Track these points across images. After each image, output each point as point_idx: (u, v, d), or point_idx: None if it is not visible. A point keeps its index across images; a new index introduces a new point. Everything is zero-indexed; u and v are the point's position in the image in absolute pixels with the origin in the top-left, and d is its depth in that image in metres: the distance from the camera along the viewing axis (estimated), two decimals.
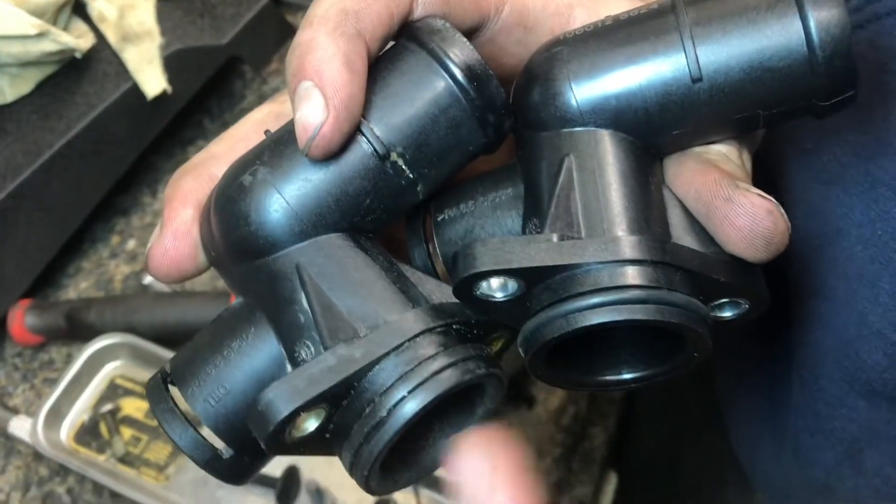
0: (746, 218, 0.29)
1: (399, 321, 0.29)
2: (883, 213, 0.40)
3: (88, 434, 0.72)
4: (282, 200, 0.30)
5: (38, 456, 0.73)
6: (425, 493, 0.67)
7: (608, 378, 0.33)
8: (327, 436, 0.29)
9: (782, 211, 0.30)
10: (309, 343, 0.29)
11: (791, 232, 0.46)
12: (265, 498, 0.68)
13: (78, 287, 0.82)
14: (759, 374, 0.56)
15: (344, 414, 0.29)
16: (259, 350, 0.31)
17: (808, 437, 0.49)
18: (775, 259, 0.48)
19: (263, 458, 0.33)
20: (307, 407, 0.28)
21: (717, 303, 0.31)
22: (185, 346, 0.33)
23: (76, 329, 0.75)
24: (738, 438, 0.60)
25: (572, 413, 0.77)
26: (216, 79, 0.89)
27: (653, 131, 0.31)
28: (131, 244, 0.85)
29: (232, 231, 0.31)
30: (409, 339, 0.29)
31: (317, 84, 0.29)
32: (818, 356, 0.46)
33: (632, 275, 0.28)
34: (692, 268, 0.29)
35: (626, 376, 0.32)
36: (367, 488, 0.30)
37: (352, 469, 0.30)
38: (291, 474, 0.68)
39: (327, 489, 0.68)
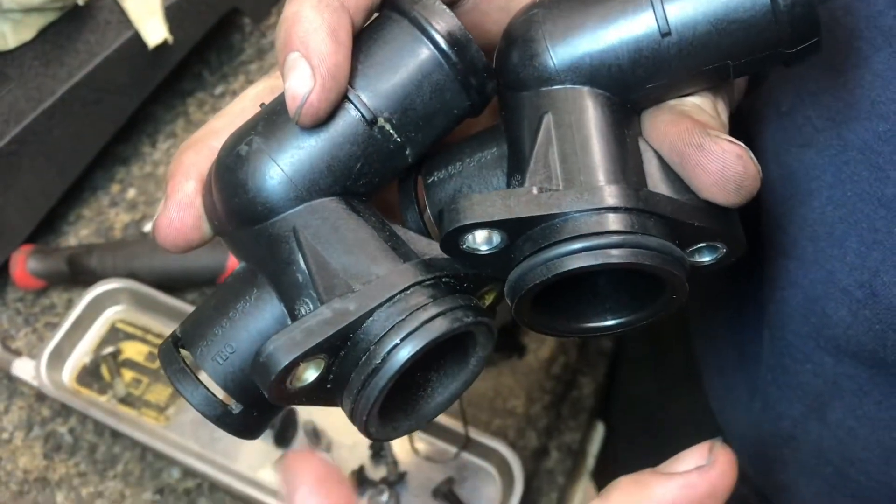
0: (717, 163, 0.30)
1: (391, 275, 0.31)
2: (853, 175, 0.41)
3: (90, 376, 0.73)
4: (277, 168, 0.32)
5: (40, 397, 0.74)
6: (418, 434, 0.69)
7: (593, 325, 0.34)
8: (328, 386, 0.31)
9: (752, 156, 0.31)
10: (307, 300, 0.31)
11: (764, 186, 0.47)
12: (263, 438, 0.70)
13: (78, 234, 0.83)
14: (731, 332, 0.58)
15: (342, 364, 0.31)
16: (262, 310, 0.32)
17: (776, 391, 0.51)
18: (749, 219, 0.50)
19: (271, 412, 0.35)
20: (305, 357, 0.29)
21: (695, 247, 0.33)
22: (193, 310, 0.34)
23: (77, 274, 0.77)
24: (713, 392, 0.62)
25: (562, 363, 0.79)
26: (215, 31, 0.90)
27: (628, 86, 0.33)
28: (131, 193, 0.86)
29: (231, 199, 0.32)
30: (400, 292, 0.30)
31: (303, 54, 0.31)
32: (787, 313, 0.48)
33: (608, 221, 0.30)
34: (666, 213, 0.31)
35: (610, 322, 0.34)
36: (367, 434, 0.32)
37: (352, 415, 0.31)
38: (289, 416, 0.70)
39: (324, 430, 0.70)
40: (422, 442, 0.69)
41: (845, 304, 0.43)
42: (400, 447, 0.69)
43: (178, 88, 0.91)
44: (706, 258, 0.33)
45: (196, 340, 0.33)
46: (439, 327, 0.30)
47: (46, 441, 0.73)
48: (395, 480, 0.68)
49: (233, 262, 0.76)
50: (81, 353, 0.74)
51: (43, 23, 0.75)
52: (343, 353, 0.30)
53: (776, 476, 0.56)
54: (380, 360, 0.30)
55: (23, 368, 0.72)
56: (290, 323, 0.32)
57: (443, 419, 0.69)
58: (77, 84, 0.75)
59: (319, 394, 0.31)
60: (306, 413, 0.71)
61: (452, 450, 0.70)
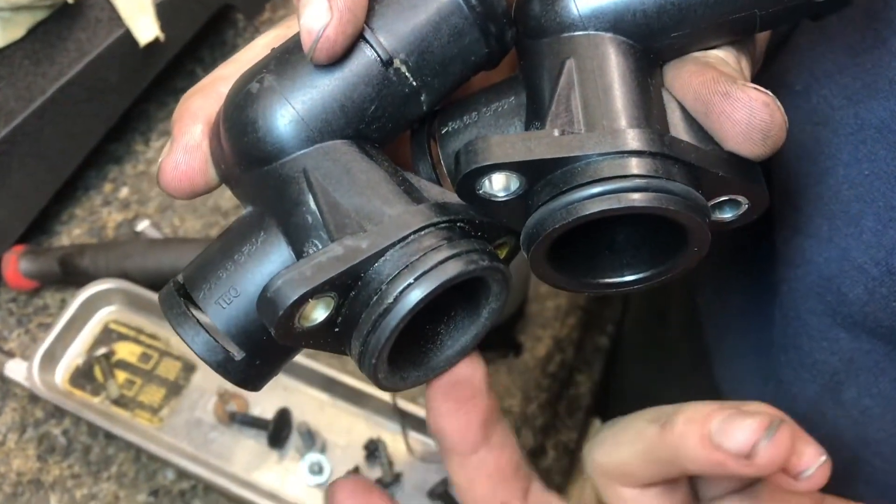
0: (744, 111, 0.30)
1: (404, 215, 0.30)
2: (870, 153, 0.41)
3: (83, 377, 0.73)
4: (288, 106, 0.31)
5: (33, 398, 0.74)
6: (413, 435, 0.69)
7: (611, 280, 0.33)
8: (336, 329, 0.30)
9: (779, 104, 0.30)
10: (317, 242, 0.30)
11: (778, 165, 0.47)
12: (257, 439, 0.70)
13: (71, 234, 0.83)
14: (745, 314, 0.58)
15: (352, 305, 0.30)
16: (269, 254, 0.31)
17: (790, 372, 0.51)
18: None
19: (275, 362, 0.33)
20: (315, 293, 0.28)
21: (716, 201, 0.32)
22: (197, 256, 0.33)
23: (70, 274, 0.76)
24: (724, 377, 0.61)
25: (559, 360, 0.78)
26: (208, 28, 0.89)
27: (652, 35, 0.32)
28: (124, 192, 0.85)
29: (240, 138, 0.31)
30: (413, 232, 0.30)
31: None
32: (802, 292, 0.47)
33: (631, 165, 0.29)
34: (691, 160, 0.30)
35: (629, 278, 0.33)
36: (376, 380, 0.31)
37: (361, 359, 0.30)
38: (283, 416, 0.69)
39: (318, 431, 0.70)
40: (417, 442, 0.69)
41: (861, 281, 0.43)
42: (395, 448, 0.69)
43: (171, 86, 0.90)
44: (728, 214, 0.33)
45: (199, 283, 0.32)
46: (453, 269, 0.29)
47: (40, 443, 0.73)
48: (391, 481, 0.67)
49: None
50: (74, 354, 0.74)
51: (33, 21, 0.74)
52: (353, 293, 0.29)
53: None
54: (391, 300, 0.29)
55: (15, 370, 0.71)
56: None
57: None
58: (68, 83, 0.74)
59: (327, 337, 0.30)
60: (300, 414, 0.70)
61: None
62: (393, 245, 0.29)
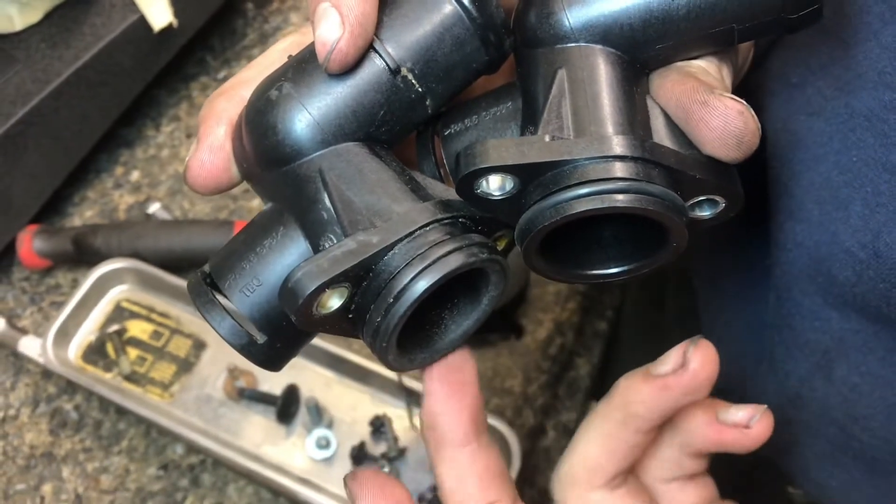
0: (720, 119, 0.32)
1: (411, 212, 0.33)
2: (858, 141, 0.43)
3: (95, 353, 0.75)
4: (305, 112, 0.34)
5: (46, 374, 0.76)
6: (417, 411, 0.71)
7: (597, 272, 0.36)
8: (350, 316, 0.33)
9: (752, 113, 0.32)
10: (332, 236, 0.33)
11: (772, 153, 0.49)
12: (266, 415, 0.72)
13: (83, 216, 0.84)
14: (739, 297, 0.60)
15: (364, 294, 0.32)
16: (288, 247, 0.34)
17: (783, 351, 0.53)
18: (757, 185, 0.51)
19: (294, 344, 0.36)
20: (331, 284, 0.31)
21: (695, 200, 0.34)
22: (222, 247, 0.36)
23: (83, 254, 0.78)
24: (720, 358, 0.63)
25: (559, 344, 0.80)
26: (218, 16, 0.91)
27: (638, 46, 0.34)
28: (135, 175, 0.87)
29: (261, 141, 0.34)
30: (419, 228, 0.32)
31: (333, 4, 0.32)
32: (794, 274, 0.49)
33: (615, 168, 0.31)
34: (670, 164, 0.32)
35: (614, 270, 0.36)
36: (386, 362, 0.34)
37: (372, 343, 0.33)
38: (291, 393, 0.71)
39: (326, 408, 0.71)
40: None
41: (849, 264, 0.45)
42: (399, 424, 0.71)
43: (181, 73, 0.92)
44: (706, 212, 0.35)
45: (225, 273, 0.35)
46: (456, 261, 0.32)
47: (52, 417, 0.74)
48: (396, 456, 0.69)
49: None
50: (87, 331, 0.75)
51: (49, 5, 0.76)
52: (365, 284, 0.32)
53: (780, 437, 0.58)
54: (400, 290, 0.31)
55: (29, 346, 0.73)
56: None
57: None
58: (83, 66, 0.76)
59: (342, 323, 0.33)
60: (308, 391, 0.72)
61: None
62: (401, 240, 0.32)
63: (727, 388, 0.63)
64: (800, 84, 0.47)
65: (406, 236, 0.32)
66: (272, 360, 0.35)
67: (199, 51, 0.93)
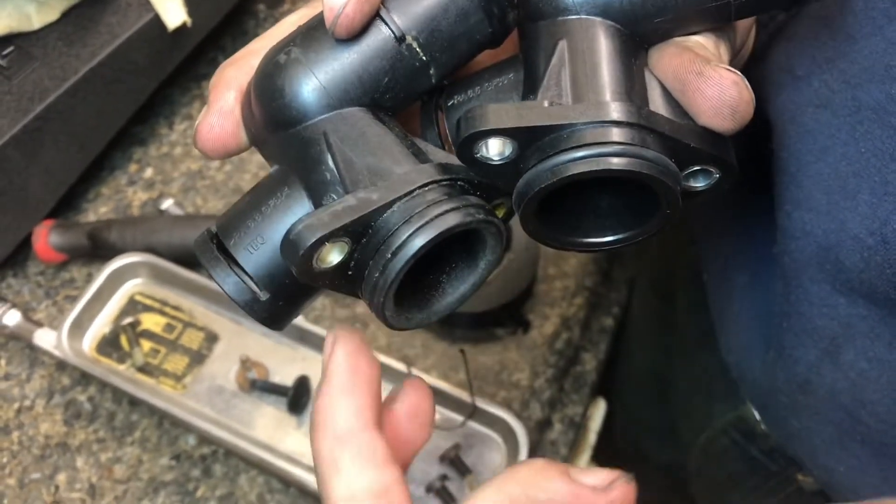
0: (715, 88, 0.33)
1: (410, 173, 0.34)
2: (866, 133, 0.44)
3: (109, 345, 0.76)
4: (312, 76, 0.35)
5: (60, 366, 0.77)
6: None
7: (593, 240, 0.37)
8: (350, 273, 0.34)
9: (747, 83, 0.33)
10: (334, 195, 0.34)
11: (781, 144, 0.50)
12: (277, 406, 0.73)
13: (97, 212, 0.86)
14: (749, 287, 0.61)
15: (363, 251, 0.33)
16: (292, 206, 0.35)
17: (792, 338, 0.54)
18: (766, 175, 0.52)
19: (296, 303, 0.37)
20: (331, 237, 0.32)
21: (690, 170, 0.35)
22: (229, 208, 0.37)
23: (98, 248, 0.79)
24: (730, 348, 0.64)
25: (565, 339, 0.81)
26: (230, 17, 0.92)
27: (637, 19, 0.36)
28: (148, 172, 0.88)
29: (269, 103, 0.35)
30: (418, 187, 0.33)
31: None
32: (802, 262, 0.50)
33: (611, 133, 0.32)
34: (664, 131, 0.33)
35: (609, 238, 0.37)
36: (383, 317, 0.34)
37: (370, 299, 0.34)
38: (302, 383, 0.72)
39: None
40: None
41: (857, 251, 0.46)
42: None
43: (194, 72, 0.94)
44: (700, 183, 0.36)
45: (231, 232, 0.35)
46: (452, 220, 0.33)
47: (67, 408, 0.76)
48: None
49: None
50: (101, 324, 0.77)
51: (66, 5, 0.78)
52: (364, 240, 0.33)
53: (788, 423, 0.59)
54: (397, 246, 0.32)
55: (44, 338, 0.74)
56: None
57: (450, 389, 0.72)
58: (99, 64, 0.77)
59: (342, 279, 0.34)
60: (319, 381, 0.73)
61: (459, 418, 0.72)
62: (400, 198, 0.33)
63: (739, 378, 0.64)
64: (806, 77, 0.49)
65: (405, 195, 0.33)
66: (274, 317, 0.36)
67: (210, 51, 0.95)
